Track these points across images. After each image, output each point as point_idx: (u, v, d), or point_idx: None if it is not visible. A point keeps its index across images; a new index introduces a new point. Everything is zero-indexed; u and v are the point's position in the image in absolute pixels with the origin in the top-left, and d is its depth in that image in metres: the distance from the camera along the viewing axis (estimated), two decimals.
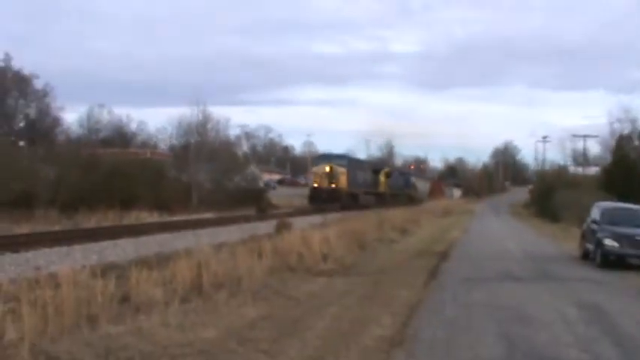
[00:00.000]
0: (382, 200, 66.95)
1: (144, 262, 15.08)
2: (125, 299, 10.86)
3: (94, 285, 10.40)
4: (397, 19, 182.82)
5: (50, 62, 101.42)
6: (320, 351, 8.48)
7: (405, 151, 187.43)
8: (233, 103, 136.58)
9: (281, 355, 8.17)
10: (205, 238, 22.85)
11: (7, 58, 62.71)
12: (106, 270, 13.54)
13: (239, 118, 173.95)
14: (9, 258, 16.82)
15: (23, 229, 26.28)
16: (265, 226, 28.54)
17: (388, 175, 78.04)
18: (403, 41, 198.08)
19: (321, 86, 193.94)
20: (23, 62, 67.94)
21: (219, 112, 78.27)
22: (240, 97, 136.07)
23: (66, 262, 15.13)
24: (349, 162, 63.44)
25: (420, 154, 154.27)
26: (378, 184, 72.61)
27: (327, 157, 63.79)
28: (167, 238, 23.81)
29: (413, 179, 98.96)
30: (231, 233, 25.81)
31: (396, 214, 38.39)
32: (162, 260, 15.79)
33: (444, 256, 21.73)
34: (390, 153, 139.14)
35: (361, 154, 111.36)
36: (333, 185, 58.16)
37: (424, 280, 15.59)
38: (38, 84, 64.92)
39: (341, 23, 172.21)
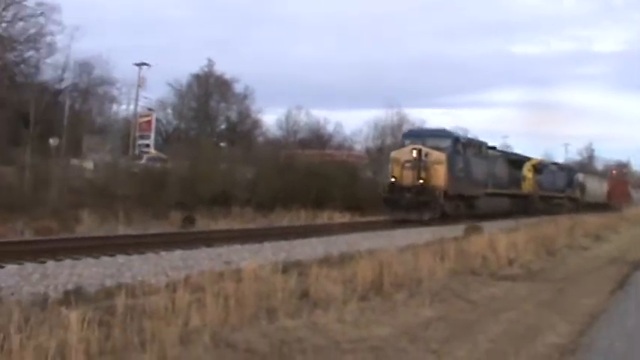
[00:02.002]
0: (525, 205, 49.00)
1: (327, 261, 15.54)
2: (304, 295, 11.24)
3: (276, 280, 10.90)
4: (600, 18, 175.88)
5: (250, 67, 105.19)
6: (488, 354, 8.49)
7: (606, 154, 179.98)
8: (430, 105, 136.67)
9: (448, 356, 8.25)
10: (395, 239, 23.12)
11: (210, 63, 65.96)
12: (289, 267, 14.12)
13: (435, 120, 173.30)
14: (203, 252, 17.74)
15: (220, 225, 27.60)
16: (456, 229, 28.38)
17: (537, 170, 54.47)
18: (607, 40, 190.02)
19: (519, 88, 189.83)
20: (224, 67, 70.76)
21: (415, 114, 78.86)
22: (437, 99, 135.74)
23: (256, 258, 15.69)
24: (455, 143, 38.33)
25: (623, 158, 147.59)
26: (519, 182, 49.59)
27: (416, 135, 39.66)
28: (356, 238, 24.10)
29: (580, 177, 71.52)
30: (420, 235, 25.85)
31: (590, 220, 37.19)
32: (346, 259, 16.16)
33: (637, 265, 20.87)
34: (590, 157, 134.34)
35: (559, 158, 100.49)
36: (422, 181, 35.08)
37: (610, 289, 15.08)
38: (239, 88, 67.78)
39: (541, 23, 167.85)
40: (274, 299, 10.22)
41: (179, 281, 10.77)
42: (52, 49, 47.23)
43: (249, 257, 16.82)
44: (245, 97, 68.74)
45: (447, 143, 37.45)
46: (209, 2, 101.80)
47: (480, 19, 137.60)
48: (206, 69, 66.45)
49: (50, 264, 14.23)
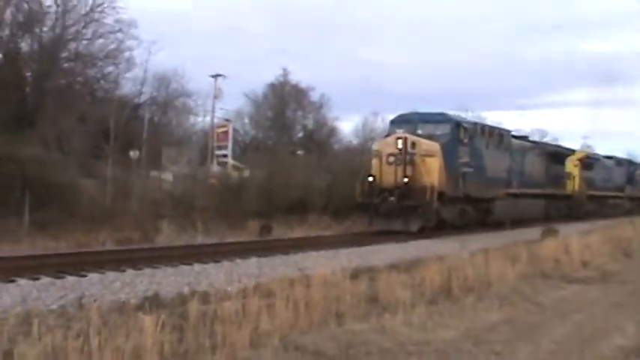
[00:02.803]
0: (569, 207, 41.46)
1: (398, 266, 15.75)
2: (373, 299, 11.52)
3: (345, 285, 11.20)
4: None
5: (326, 75, 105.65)
6: (551, 356, 8.63)
7: None
8: (505, 107, 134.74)
9: (511, 357, 8.44)
10: (467, 243, 23.07)
11: (285, 72, 66.50)
12: (362, 272, 14.39)
13: (512, 123, 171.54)
14: (279, 259, 18.07)
15: (296, 233, 27.96)
16: (532, 232, 28.11)
17: (585, 165, 44.97)
18: None
19: (596, 86, 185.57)
20: (300, 76, 71.12)
21: (491, 116, 77.50)
22: (513, 101, 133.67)
23: (330, 264, 15.90)
24: (456, 129, 28.57)
25: None
26: (561, 180, 40.55)
27: (405, 121, 28.98)
28: (430, 243, 24.09)
29: None
30: (496, 239, 25.69)
31: None
32: (417, 264, 16.34)
33: None
34: None
35: None
36: (407, 180, 26.44)
37: None
38: (314, 96, 68.16)
39: (614, 19, 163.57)
40: (343, 304, 10.51)
41: (251, 288, 11.14)
42: (130, 64, 48.16)
43: (324, 264, 17.08)
44: (321, 105, 69.13)
45: (444, 130, 28.23)
46: (283, 11, 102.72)
47: (550, 19, 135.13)
48: (281, 78, 67.16)
49: (130, 273, 14.78)
